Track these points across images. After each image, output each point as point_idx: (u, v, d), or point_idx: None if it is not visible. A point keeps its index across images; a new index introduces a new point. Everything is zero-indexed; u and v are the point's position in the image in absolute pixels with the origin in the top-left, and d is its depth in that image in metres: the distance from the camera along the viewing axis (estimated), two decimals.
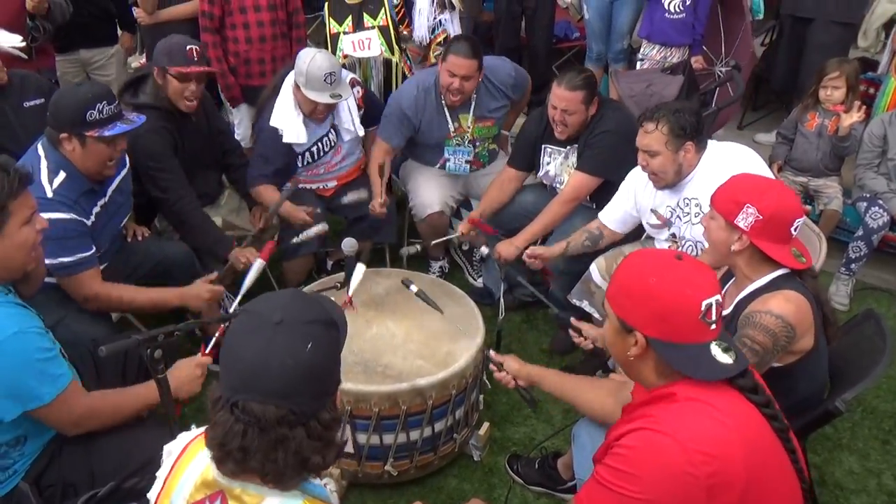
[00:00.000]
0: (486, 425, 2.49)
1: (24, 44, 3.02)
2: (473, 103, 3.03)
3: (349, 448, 2.24)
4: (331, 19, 3.43)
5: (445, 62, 2.89)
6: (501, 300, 2.74)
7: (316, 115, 2.88)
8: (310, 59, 2.74)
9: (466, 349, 2.27)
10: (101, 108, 2.09)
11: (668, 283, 1.30)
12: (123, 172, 2.43)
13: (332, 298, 2.30)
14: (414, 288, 2.37)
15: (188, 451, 1.17)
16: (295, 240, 2.85)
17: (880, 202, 3.25)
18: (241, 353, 1.05)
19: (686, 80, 3.47)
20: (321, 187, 3.17)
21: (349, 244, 2.34)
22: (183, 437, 1.21)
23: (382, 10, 3.40)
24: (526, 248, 2.80)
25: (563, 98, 2.69)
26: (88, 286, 2.19)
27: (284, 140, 2.88)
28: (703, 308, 1.28)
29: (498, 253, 2.79)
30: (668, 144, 2.27)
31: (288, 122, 2.86)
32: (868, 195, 3.32)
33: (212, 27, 3.32)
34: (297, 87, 2.82)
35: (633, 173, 2.57)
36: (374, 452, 2.23)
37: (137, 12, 3.67)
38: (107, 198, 2.31)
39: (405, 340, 2.32)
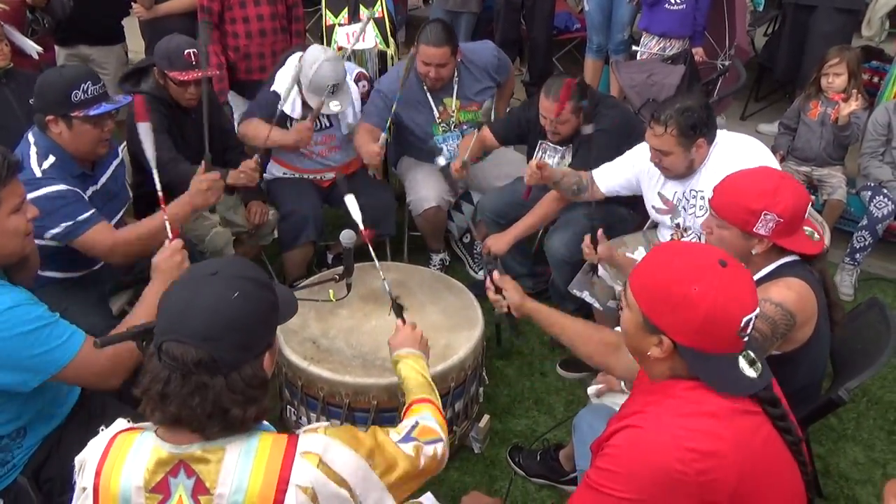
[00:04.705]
0: (486, 417, 2.47)
1: (39, 53, 3.06)
2: (456, 86, 3.01)
3: None
4: (327, 11, 3.42)
5: (418, 52, 2.88)
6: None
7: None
8: (317, 65, 2.74)
9: (465, 341, 2.26)
10: (86, 87, 2.07)
11: (714, 295, 1.20)
12: (116, 162, 2.42)
13: (331, 290, 2.33)
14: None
15: (112, 451, 1.15)
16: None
17: (885, 191, 3.22)
18: (174, 298, 1.14)
19: (687, 69, 3.44)
20: (319, 178, 3.16)
21: (348, 236, 2.32)
22: (94, 444, 1.19)
23: (379, 2, 3.39)
24: (516, 242, 2.80)
25: (552, 110, 2.67)
26: (104, 239, 2.14)
27: (280, 105, 2.85)
28: (742, 324, 1.22)
29: (487, 247, 2.78)
30: (680, 144, 2.23)
31: (287, 91, 2.85)
32: (873, 184, 3.29)
33: (210, 21, 3.31)
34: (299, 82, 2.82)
35: (642, 149, 2.49)
36: None
37: (136, 7, 3.66)
38: (98, 185, 2.29)
39: None
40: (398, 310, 1.87)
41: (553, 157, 2.91)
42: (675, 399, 1.25)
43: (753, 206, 1.68)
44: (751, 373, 1.25)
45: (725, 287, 1.22)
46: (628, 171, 2.56)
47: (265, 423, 1.20)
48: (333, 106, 2.79)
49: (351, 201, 2.07)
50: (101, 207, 2.29)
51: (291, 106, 2.89)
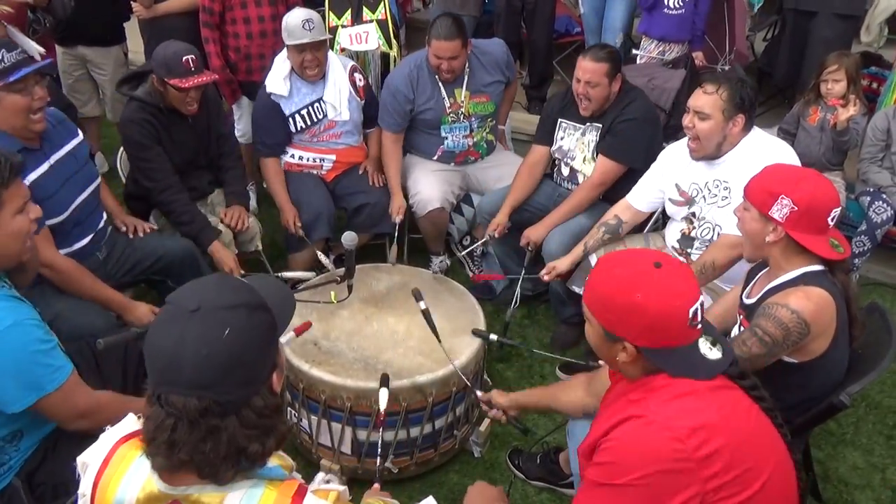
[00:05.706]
0: (486, 421, 2.46)
1: (41, 54, 3.01)
2: (466, 77, 3.05)
3: (347, 446, 2.23)
4: (330, 13, 3.43)
5: (430, 46, 2.94)
6: (518, 290, 2.77)
7: (304, 68, 2.94)
8: (289, 14, 2.90)
9: (467, 346, 2.26)
10: (0, 56, 2.07)
11: (655, 298, 1.28)
12: (75, 141, 2.40)
13: (332, 292, 2.32)
14: (423, 305, 2.25)
15: (113, 461, 1.10)
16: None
17: (884, 196, 3.23)
18: (158, 345, 1.02)
19: (688, 74, 3.45)
20: (319, 163, 3.15)
21: (349, 238, 2.33)
22: (97, 447, 1.14)
23: (382, 4, 3.41)
24: (515, 244, 2.86)
25: (587, 70, 2.69)
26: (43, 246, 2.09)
27: (268, 90, 2.97)
28: (690, 315, 1.29)
29: (527, 237, 2.82)
30: (724, 111, 2.25)
31: (275, 77, 2.98)
32: (872, 189, 3.30)
33: (212, 22, 3.31)
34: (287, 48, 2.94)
35: (667, 149, 2.58)
36: (375, 449, 2.21)
37: (135, 6, 3.65)
38: (52, 161, 2.27)
39: (406, 337, 2.31)
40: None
41: (572, 135, 2.92)
42: (656, 391, 1.31)
43: (774, 188, 1.72)
44: (714, 354, 1.33)
45: (664, 287, 1.29)
46: (660, 174, 2.57)
47: (277, 467, 1.11)
48: (313, 37, 2.85)
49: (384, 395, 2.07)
50: (58, 185, 2.26)
51: (278, 86, 2.97)
